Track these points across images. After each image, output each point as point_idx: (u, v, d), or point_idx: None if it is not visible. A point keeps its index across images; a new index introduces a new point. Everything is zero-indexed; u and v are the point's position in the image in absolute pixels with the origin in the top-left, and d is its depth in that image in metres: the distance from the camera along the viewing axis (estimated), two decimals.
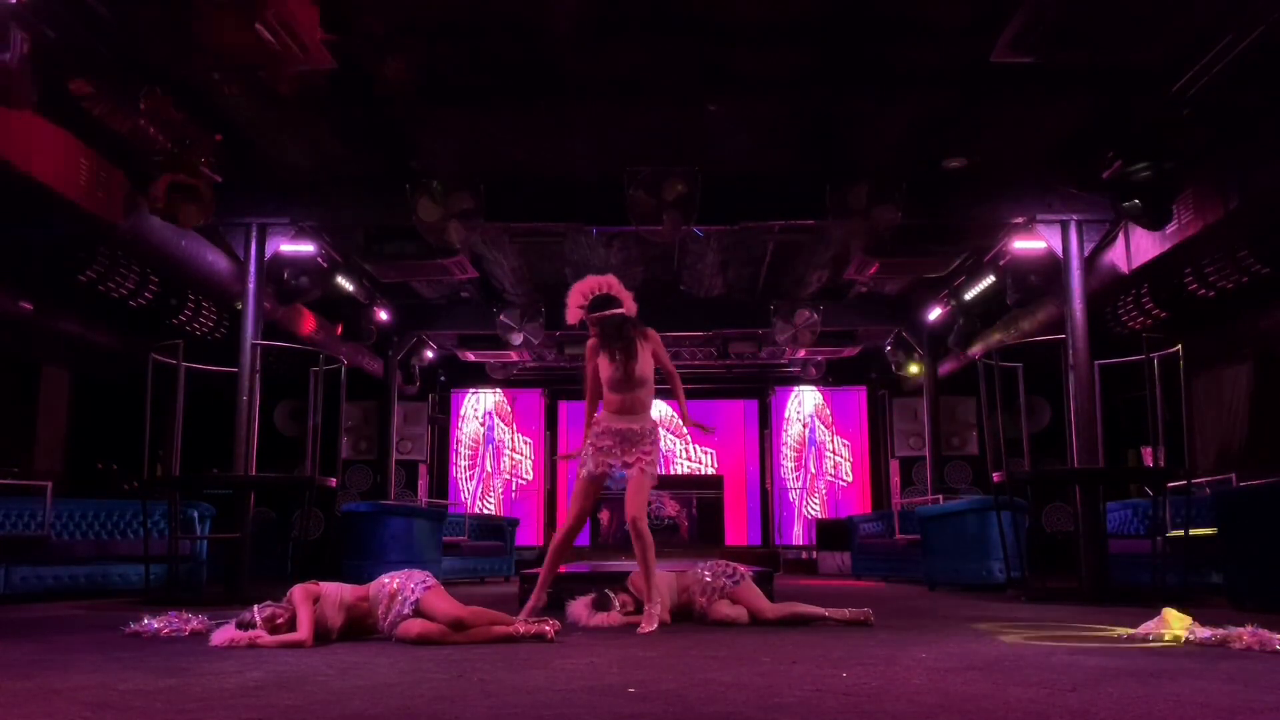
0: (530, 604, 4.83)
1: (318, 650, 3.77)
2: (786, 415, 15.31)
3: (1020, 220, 7.90)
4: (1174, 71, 5.86)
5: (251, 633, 3.85)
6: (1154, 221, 6.93)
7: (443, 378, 14.78)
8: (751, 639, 4.17)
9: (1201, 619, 4.16)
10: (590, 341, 4.87)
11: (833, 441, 15.14)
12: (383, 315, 10.89)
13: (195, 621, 4.41)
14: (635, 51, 6.10)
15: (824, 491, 15.02)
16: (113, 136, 6.20)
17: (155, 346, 6.95)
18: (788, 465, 15.15)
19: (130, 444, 8.43)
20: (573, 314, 4.82)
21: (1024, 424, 7.41)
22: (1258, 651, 3.54)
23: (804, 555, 14.25)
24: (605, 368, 4.77)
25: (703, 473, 15.70)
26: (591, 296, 4.78)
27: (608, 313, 4.75)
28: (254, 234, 7.64)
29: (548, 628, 4.10)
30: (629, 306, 4.80)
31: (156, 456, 8.77)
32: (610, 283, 4.83)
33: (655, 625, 4.50)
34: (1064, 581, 7.45)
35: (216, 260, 8.25)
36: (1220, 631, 3.81)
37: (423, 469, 14.09)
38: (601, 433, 4.77)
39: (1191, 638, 3.85)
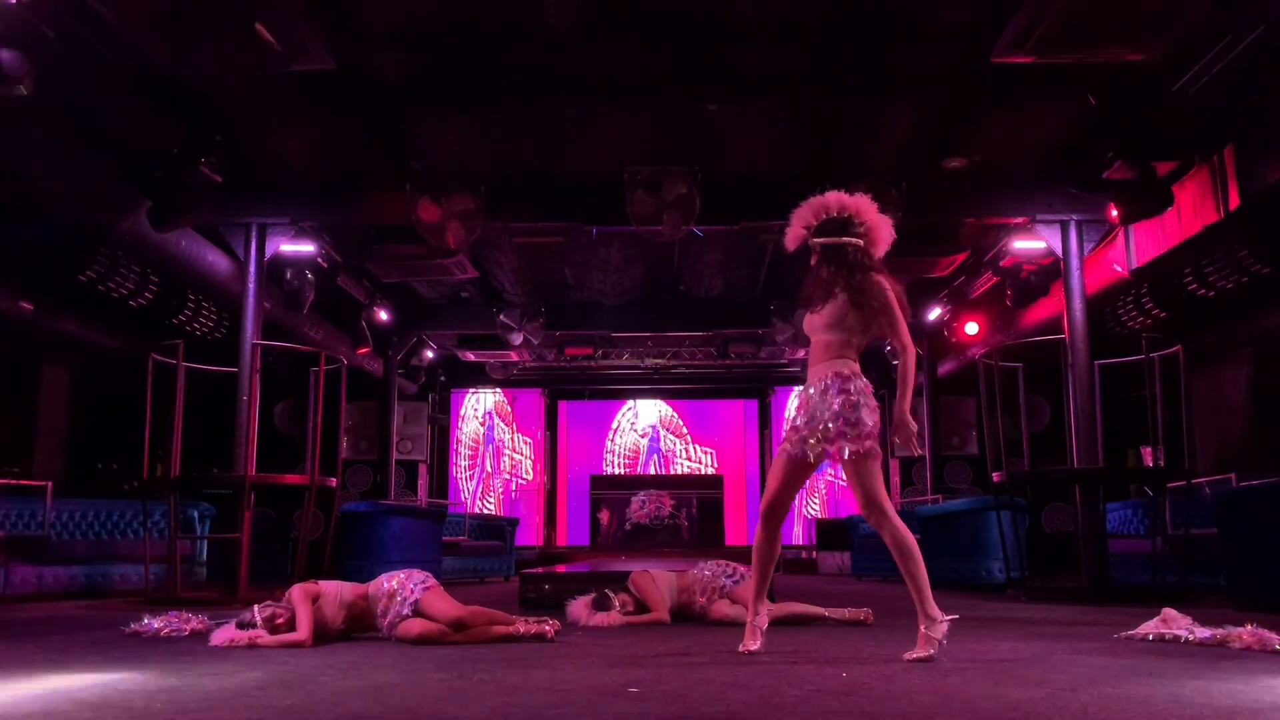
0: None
1: (318, 650, 3.77)
2: (787, 415, 15.23)
3: (1020, 220, 7.90)
4: (1174, 71, 5.86)
5: (251, 633, 3.85)
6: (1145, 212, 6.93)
7: (443, 378, 14.77)
8: None
9: (1201, 619, 4.16)
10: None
11: None
12: (383, 315, 10.89)
13: (195, 621, 4.42)
14: (636, 51, 6.10)
15: (824, 491, 15.02)
16: (113, 135, 6.20)
17: (155, 346, 6.94)
18: None
19: (130, 444, 8.43)
20: (794, 237, 3.76)
21: (1024, 424, 7.40)
22: (1258, 651, 3.53)
23: (804, 555, 14.24)
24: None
25: (703, 473, 15.69)
26: (824, 217, 3.65)
27: (833, 240, 3.61)
28: (254, 234, 7.63)
29: (548, 628, 4.11)
30: (879, 237, 3.66)
31: (156, 456, 8.76)
32: (856, 205, 3.65)
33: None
34: (1064, 581, 7.45)
35: (216, 260, 8.25)
36: (1220, 631, 3.81)
37: (423, 469, 14.08)
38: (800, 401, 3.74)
39: (1191, 638, 3.85)
